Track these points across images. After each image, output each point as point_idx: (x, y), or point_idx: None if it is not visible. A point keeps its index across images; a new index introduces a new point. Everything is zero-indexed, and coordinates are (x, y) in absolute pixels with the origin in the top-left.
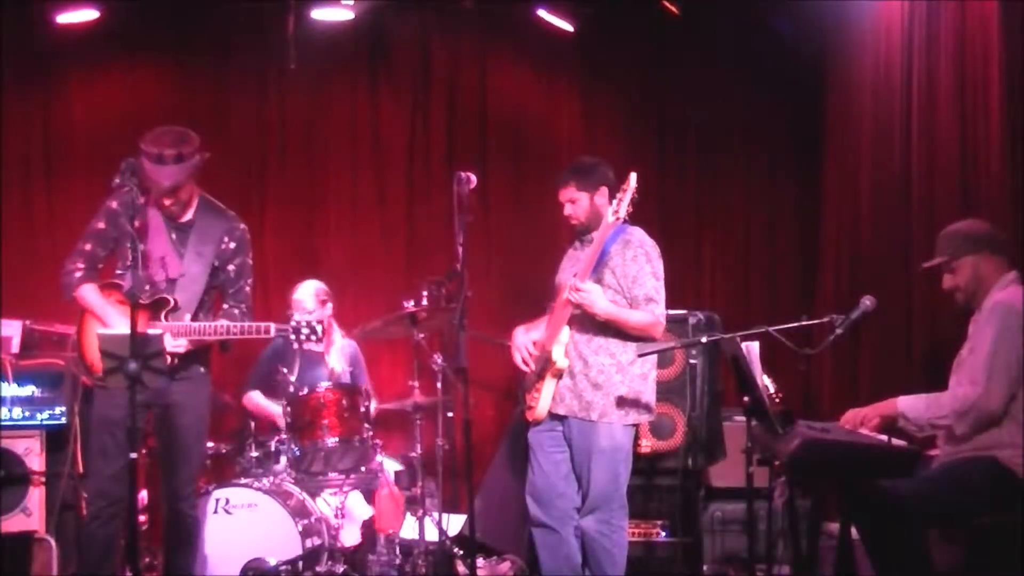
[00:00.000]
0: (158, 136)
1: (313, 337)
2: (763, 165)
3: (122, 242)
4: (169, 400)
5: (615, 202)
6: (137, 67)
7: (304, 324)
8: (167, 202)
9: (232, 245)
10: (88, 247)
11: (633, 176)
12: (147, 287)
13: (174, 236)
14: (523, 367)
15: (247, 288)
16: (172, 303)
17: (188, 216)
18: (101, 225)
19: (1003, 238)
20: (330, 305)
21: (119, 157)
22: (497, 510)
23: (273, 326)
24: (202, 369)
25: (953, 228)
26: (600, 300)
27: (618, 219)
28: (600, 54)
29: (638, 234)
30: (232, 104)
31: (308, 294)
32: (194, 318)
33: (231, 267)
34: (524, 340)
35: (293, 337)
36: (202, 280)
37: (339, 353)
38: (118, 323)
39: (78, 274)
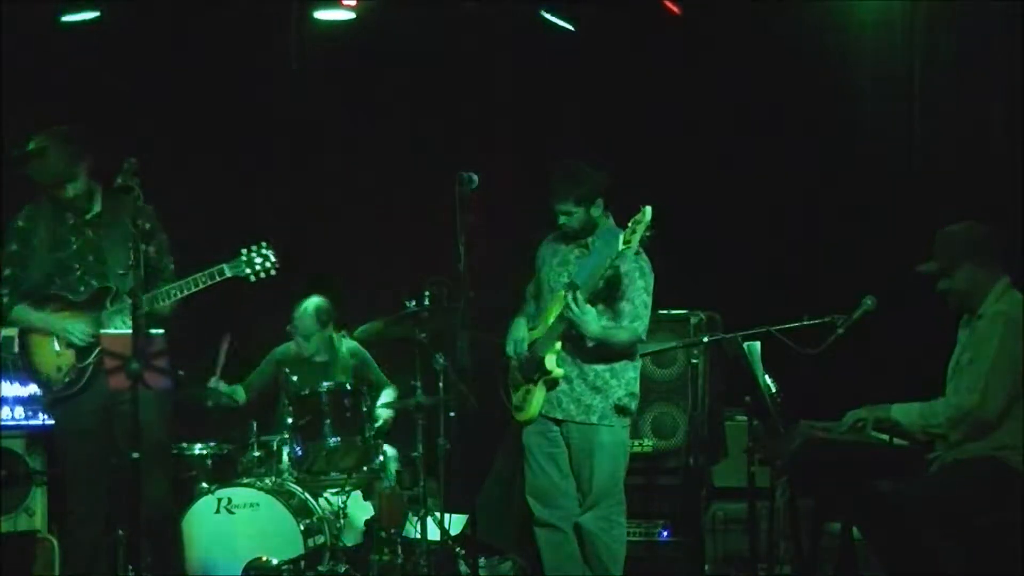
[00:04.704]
0: (32, 137)
1: (268, 264)
2: (764, 164)
3: (37, 254)
4: (130, 398)
5: (628, 232)
6: (136, 66)
7: (256, 253)
8: (59, 193)
9: (147, 226)
10: (7, 272)
11: (648, 209)
12: (81, 288)
13: (89, 232)
14: (512, 360)
15: (171, 266)
16: (111, 290)
17: (95, 209)
18: (13, 247)
19: (1000, 242)
20: (331, 324)
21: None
22: (499, 509)
23: (225, 267)
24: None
25: (950, 232)
26: (593, 324)
27: (629, 248)
28: (601, 54)
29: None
30: (232, 104)
31: (308, 316)
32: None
33: (151, 248)
34: (523, 334)
35: (248, 271)
36: (128, 264)
37: (346, 362)
38: (72, 328)
39: (5, 300)
